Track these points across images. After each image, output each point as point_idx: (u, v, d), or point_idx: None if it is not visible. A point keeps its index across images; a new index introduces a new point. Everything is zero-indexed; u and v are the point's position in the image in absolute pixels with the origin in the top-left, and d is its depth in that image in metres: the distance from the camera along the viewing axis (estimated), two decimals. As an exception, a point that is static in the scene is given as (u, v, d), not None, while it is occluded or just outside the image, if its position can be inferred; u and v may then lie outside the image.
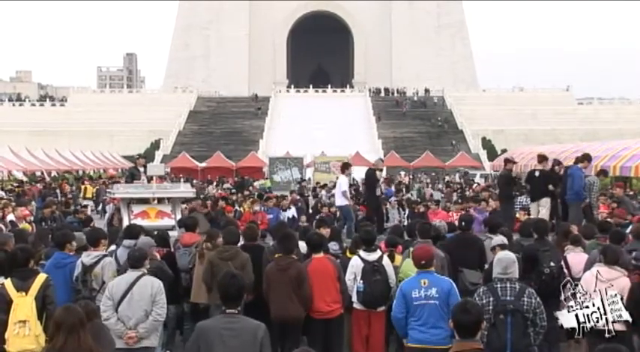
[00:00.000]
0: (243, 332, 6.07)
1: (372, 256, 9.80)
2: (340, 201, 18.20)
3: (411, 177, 49.84)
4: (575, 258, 10.40)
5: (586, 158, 16.81)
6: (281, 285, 9.16)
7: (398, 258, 10.44)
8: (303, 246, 11.12)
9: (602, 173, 19.22)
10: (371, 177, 18.68)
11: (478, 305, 6.09)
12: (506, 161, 18.70)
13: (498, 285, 7.53)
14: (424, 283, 8.09)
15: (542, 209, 16.63)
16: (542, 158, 17.71)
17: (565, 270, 10.05)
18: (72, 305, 6.17)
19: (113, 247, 11.27)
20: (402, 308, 8.17)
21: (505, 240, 10.40)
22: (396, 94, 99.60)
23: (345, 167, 19.53)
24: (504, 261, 7.67)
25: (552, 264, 9.95)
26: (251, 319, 6.40)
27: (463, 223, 11.78)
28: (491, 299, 7.40)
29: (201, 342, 6.08)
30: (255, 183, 40.31)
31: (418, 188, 39.26)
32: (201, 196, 22.66)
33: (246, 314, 6.80)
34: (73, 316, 5.82)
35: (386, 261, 9.91)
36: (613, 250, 9.28)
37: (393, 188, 30.64)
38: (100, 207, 22.04)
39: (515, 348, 7.18)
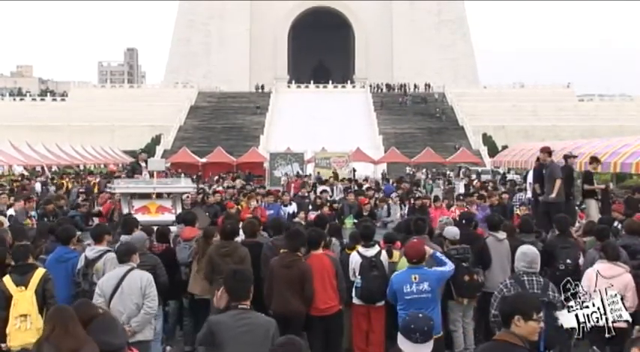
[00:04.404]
0: (255, 328, 6.08)
1: (370, 252, 9.82)
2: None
3: (427, 175, 49.88)
4: None
5: None
6: (283, 282, 9.12)
7: (396, 253, 10.43)
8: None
9: (595, 161, 18.97)
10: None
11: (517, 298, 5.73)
12: (567, 157, 17.73)
13: (525, 278, 7.55)
14: (415, 278, 8.28)
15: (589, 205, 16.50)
16: (592, 159, 17.81)
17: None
18: (63, 305, 6.28)
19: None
20: (394, 299, 8.50)
21: (457, 235, 10.36)
22: (396, 90, 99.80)
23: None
24: (529, 255, 7.69)
25: (569, 261, 9.93)
26: (262, 315, 6.41)
27: (464, 221, 11.81)
28: (519, 291, 7.36)
29: (213, 337, 6.08)
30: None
31: (431, 186, 39.24)
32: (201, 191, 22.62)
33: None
34: (62, 311, 5.94)
35: (384, 256, 9.93)
36: (613, 246, 9.26)
37: (392, 183, 30.53)
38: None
39: (550, 341, 7.13)
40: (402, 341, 5.12)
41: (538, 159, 18.19)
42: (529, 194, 18.88)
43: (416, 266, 8.38)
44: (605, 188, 17.10)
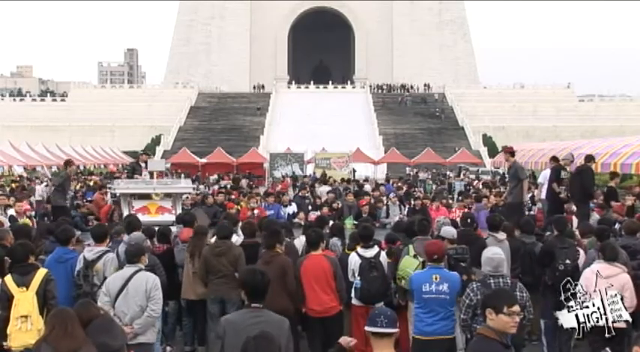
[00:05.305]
0: (269, 326, 6.10)
1: (370, 252, 9.80)
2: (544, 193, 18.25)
3: (429, 175, 49.97)
4: None
5: None
6: None
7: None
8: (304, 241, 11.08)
9: (616, 176, 18.89)
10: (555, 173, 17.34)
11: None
12: (587, 158, 17.24)
13: (491, 281, 7.67)
14: (436, 278, 8.23)
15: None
16: (613, 175, 17.73)
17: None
18: (63, 307, 6.32)
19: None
20: (411, 298, 8.50)
21: (455, 235, 10.33)
22: (397, 90, 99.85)
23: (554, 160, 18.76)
24: (495, 260, 7.80)
25: (568, 261, 9.94)
26: (275, 313, 6.44)
27: (469, 220, 11.83)
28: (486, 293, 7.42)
29: (227, 336, 6.11)
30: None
31: (431, 186, 39.25)
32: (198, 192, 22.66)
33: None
34: (62, 312, 5.97)
35: (383, 257, 9.91)
36: (612, 246, 9.28)
37: (391, 184, 30.52)
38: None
39: (514, 340, 7.19)
40: (369, 329, 5.41)
41: (555, 158, 18.09)
42: (543, 194, 18.71)
43: (437, 266, 8.34)
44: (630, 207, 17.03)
